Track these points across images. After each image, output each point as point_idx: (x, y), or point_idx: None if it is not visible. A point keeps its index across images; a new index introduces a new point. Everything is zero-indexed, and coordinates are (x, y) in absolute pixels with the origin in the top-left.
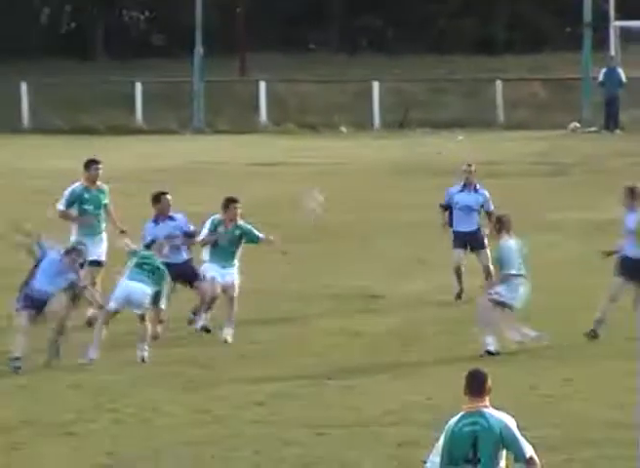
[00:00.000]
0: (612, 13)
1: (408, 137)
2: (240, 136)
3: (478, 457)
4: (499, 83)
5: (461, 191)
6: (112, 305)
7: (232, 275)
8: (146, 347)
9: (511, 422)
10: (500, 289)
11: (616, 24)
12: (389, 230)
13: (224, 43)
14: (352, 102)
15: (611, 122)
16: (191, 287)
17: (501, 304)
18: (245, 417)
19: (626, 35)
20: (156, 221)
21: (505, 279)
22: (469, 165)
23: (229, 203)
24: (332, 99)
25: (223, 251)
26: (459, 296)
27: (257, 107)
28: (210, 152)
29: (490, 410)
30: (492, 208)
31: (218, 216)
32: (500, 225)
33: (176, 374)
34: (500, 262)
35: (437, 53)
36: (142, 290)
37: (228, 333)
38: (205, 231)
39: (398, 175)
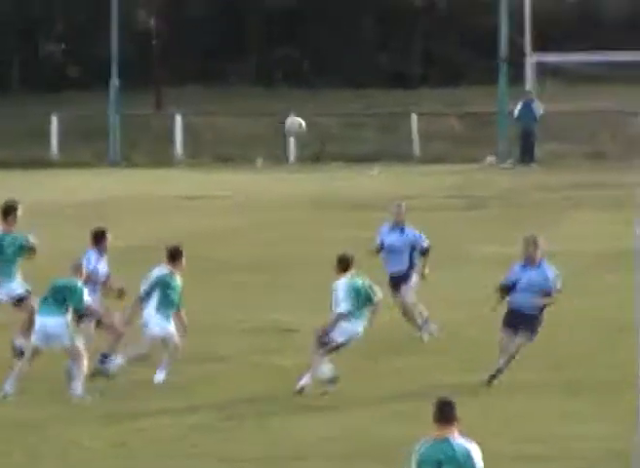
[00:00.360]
0: (527, 47)
1: (323, 171)
2: (156, 169)
3: None
4: (414, 117)
5: (391, 231)
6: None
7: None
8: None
9: (475, 451)
10: (334, 333)
11: (531, 59)
12: (305, 264)
13: (141, 76)
14: (268, 136)
15: (526, 156)
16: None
17: (335, 349)
18: (163, 451)
19: (542, 69)
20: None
21: (337, 319)
22: (399, 205)
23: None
24: (248, 133)
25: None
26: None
27: (172, 141)
28: (126, 186)
29: (456, 438)
30: (425, 245)
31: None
32: (337, 264)
33: (96, 408)
34: (334, 302)
35: (353, 87)
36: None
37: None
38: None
39: (313, 208)
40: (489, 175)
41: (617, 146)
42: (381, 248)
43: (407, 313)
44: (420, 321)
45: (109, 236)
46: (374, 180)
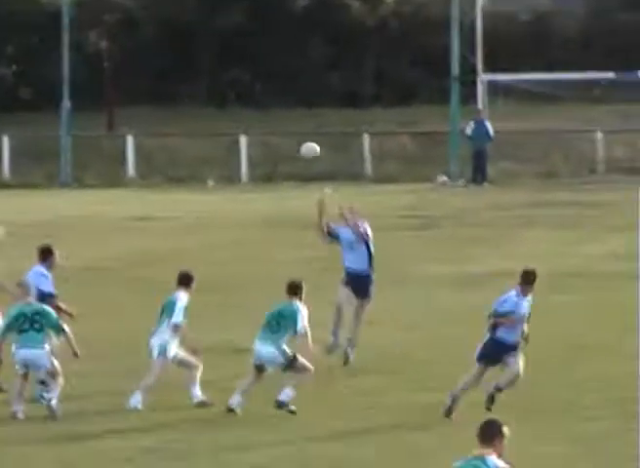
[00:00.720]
0: (479, 66)
1: (275, 191)
2: (107, 190)
3: None
4: (366, 136)
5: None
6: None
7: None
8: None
9: None
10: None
11: (483, 78)
12: (257, 284)
13: (92, 97)
14: (220, 156)
15: (479, 175)
16: None
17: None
18: None
19: (494, 89)
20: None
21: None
22: (351, 207)
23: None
24: (199, 153)
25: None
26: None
27: (124, 162)
28: (77, 207)
29: (493, 458)
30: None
31: None
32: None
33: (47, 429)
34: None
35: (305, 106)
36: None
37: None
38: None
39: (266, 228)
40: (441, 194)
41: (568, 165)
42: (336, 237)
43: (351, 321)
44: (347, 337)
45: (56, 252)
46: (326, 200)
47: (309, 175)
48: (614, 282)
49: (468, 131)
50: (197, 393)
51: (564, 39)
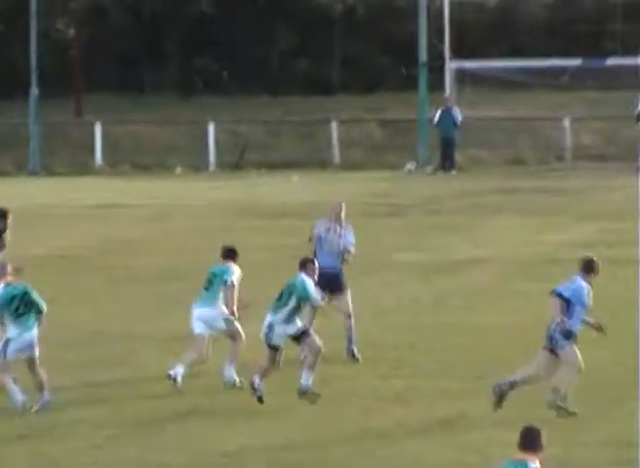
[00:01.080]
0: (447, 53)
1: (243, 179)
2: (75, 178)
3: None
4: (333, 124)
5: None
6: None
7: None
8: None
9: None
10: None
11: (450, 65)
12: None
13: (60, 84)
14: (188, 144)
15: (447, 162)
16: None
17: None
18: (81, 460)
19: (461, 76)
20: None
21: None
22: (339, 203)
23: None
24: (167, 141)
25: None
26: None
27: (92, 149)
28: (46, 195)
29: (535, 465)
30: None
31: None
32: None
33: (13, 418)
34: None
35: (272, 94)
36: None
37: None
38: None
39: (233, 216)
40: (409, 181)
41: (536, 152)
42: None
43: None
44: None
45: (10, 216)
46: (294, 187)
47: (277, 162)
48: None
49: (435, 118)
50: (230, 373)
51: (531, 26)
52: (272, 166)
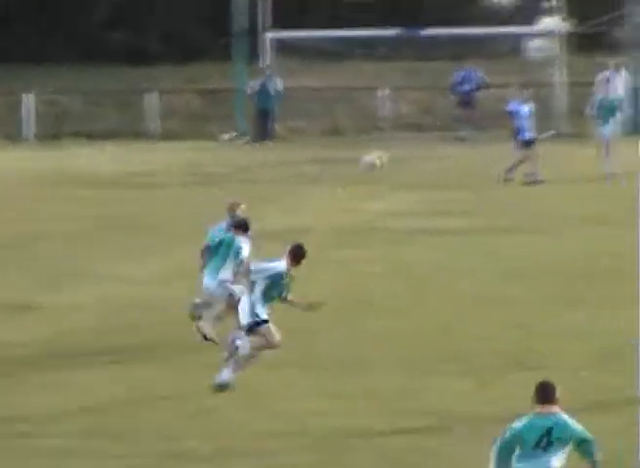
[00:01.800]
0: (261, 23)
1: (61, 149)
2: None
3: (551, 441)
4: (152, 94)
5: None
6: None
7: None
8: None
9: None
10: None
11: (269, 35)
12: (42, 241)
13: None
14: (4, 114)
15: (263, 132)
16: None
17: None
18: None
19: (280, 46)
20: None
21: None
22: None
23: None
24: None
25: None
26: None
27: None
28: None
29: (563, 414)
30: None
31: None
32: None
33: None
34: None
35: (90, 64)
36: None
37: None
38: None
39: (49, 186)
40: (226, 152)
41: (354, 122)
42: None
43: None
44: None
45: None
46: (112, 157)
47: (95, 132)
48: (399, 237)
49: (249, 90)
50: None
51: None
52: (90, 136)
